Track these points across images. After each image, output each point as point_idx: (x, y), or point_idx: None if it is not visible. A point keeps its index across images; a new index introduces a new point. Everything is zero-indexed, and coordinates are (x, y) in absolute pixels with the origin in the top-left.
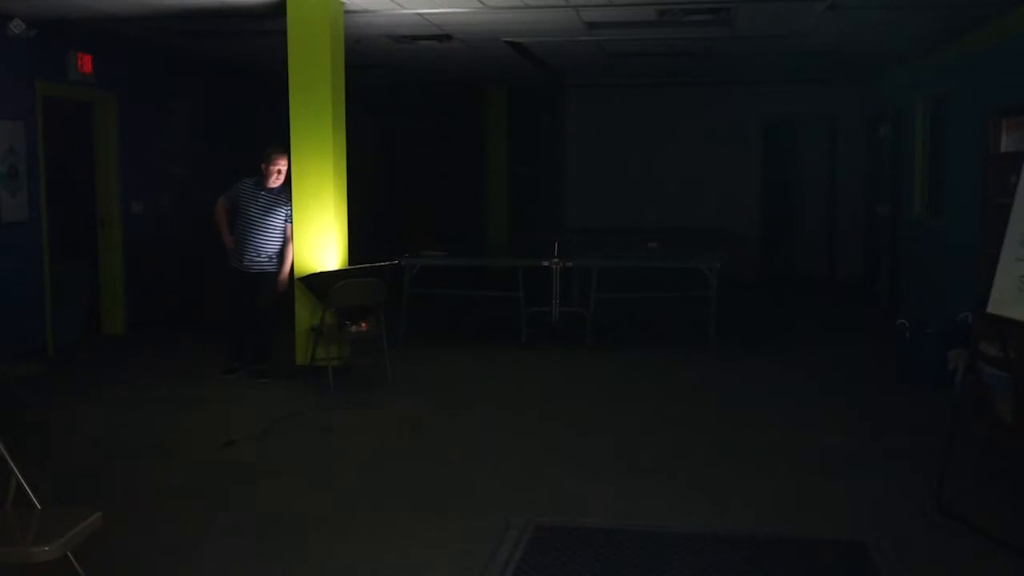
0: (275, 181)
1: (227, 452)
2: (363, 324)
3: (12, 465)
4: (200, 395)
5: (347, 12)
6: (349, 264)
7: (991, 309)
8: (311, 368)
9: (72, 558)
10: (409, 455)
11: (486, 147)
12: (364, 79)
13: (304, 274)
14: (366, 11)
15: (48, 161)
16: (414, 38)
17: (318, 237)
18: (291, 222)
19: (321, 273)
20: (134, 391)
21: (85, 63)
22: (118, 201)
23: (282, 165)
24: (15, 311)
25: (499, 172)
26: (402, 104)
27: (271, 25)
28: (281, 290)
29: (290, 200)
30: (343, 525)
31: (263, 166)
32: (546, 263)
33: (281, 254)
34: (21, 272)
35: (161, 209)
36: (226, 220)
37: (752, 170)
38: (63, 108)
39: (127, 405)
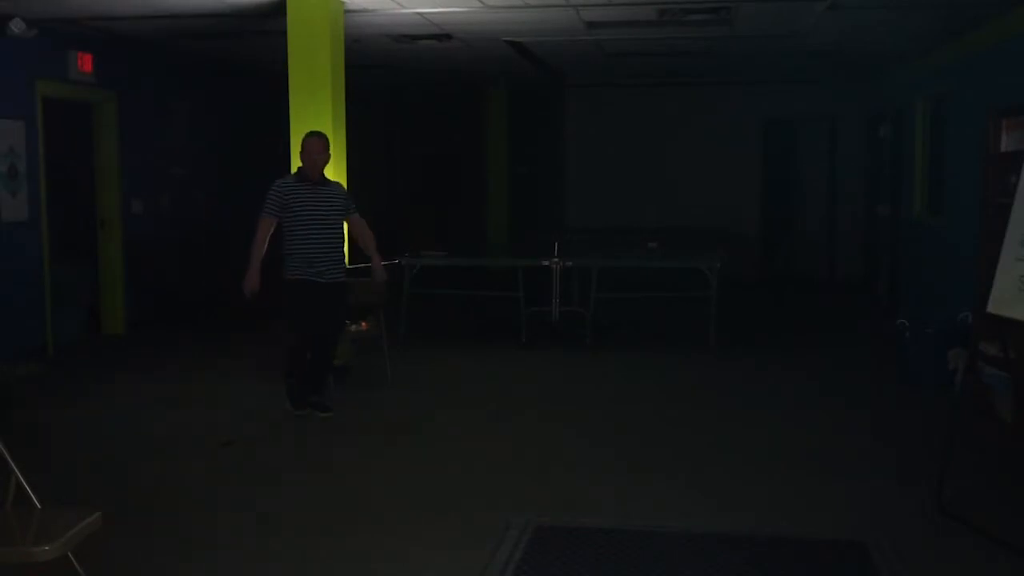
0: (314, 170)
1: (227, 452)
2: (363, 324)
3: (12, 465)
4: (200, 396)
5: (347, 12)
6: (349, 264)
7: (991, 309)
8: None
9: (72, 558)
10: (409, 455)
11: (486, 147)
12: (364, 79)
13: None
14: (366, 10)
15: (48, 161)
16: (414, 37)
17: None
18: (356, 211)
19: None
20: (134, 391)
21: (85, 63)
22: (118, 201)
23: (312, 149)
24: (15, 311)
25: (499, 172)
26: (402, 104)
27: (271, 25)
28: (383, 280)
29: (343, 190)
30: (343, 525)
31: (301, 156)
32: (546, 263)
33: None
34: (21, 272)
35: (161, 209)
36: (265, 246)
37: (752, 170)
38: (63, 108)
39: (127, 405)
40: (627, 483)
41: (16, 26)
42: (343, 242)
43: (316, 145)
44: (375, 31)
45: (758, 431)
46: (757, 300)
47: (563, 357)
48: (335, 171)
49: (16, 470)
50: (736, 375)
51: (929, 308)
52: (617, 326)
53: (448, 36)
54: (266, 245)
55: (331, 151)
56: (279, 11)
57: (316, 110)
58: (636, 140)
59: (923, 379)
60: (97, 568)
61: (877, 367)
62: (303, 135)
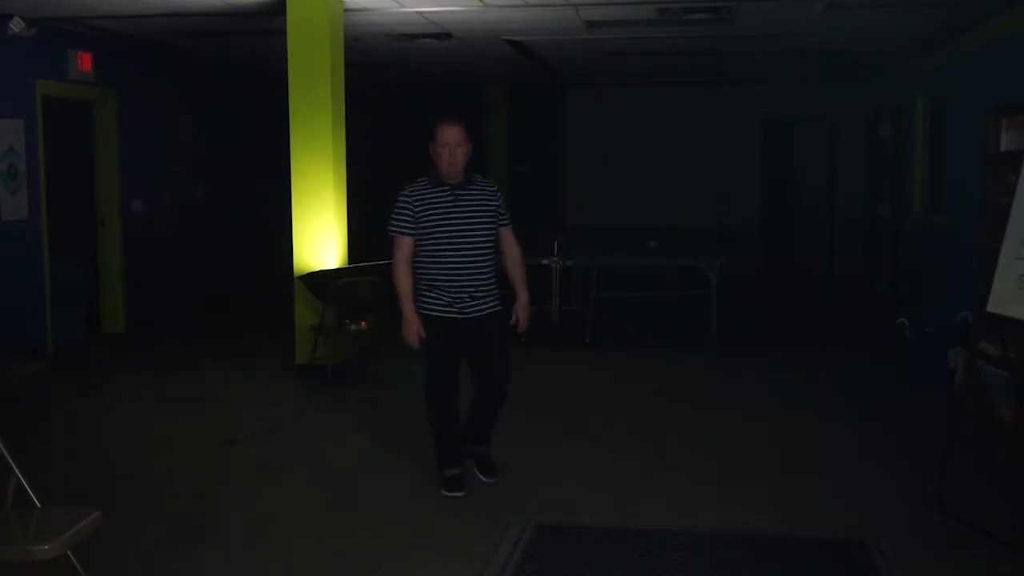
0: (452, 168)
1: (227, 451)
2: (363, 323)
3: (12, 465)
4: (200, 395)
5: (347, 11)
6: (349, 263)
7: (991, 308)
8: (311, 367)
9: (72, 557)
10: (409, 454)
11: (486, 147)
12: (364, 79)
13: (304, 273)
14: (366, 9)
15: (48, 160)
16: (414, 36)
17: (318, 236)
18: (508, 223)
19: (321, 272)
20: (134, 391)
21: (85, 62)
22: (118, 200)
23: (450, 139)
24: (15, 310)
25: (499, 172)
26: (402, 104)
27: (271, 24)
28: (523, 327)
29: (497, 193)
30: (343, 525)
31: (431, 150)
32: (546, 262)
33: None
34: (21, 271)
35: (161, 208)
36: (410, 274)
37: (752, 169)
38: (63, 108)
39: (127, 405)
40: (627, 482)
41: (16, 25)
42: (491, 263)
43: (453, 135)
44: (375, 30)
45: (758, 430)
46: (757, 299)
47: (563, 357)
48: (335, 172)
49: (16, 470)
50: (736, 374)
51: (929, 307)
52: (617, 326)
53: (448, 35)
54: (409, 272)
55: (331, 151)
56: (279, 10)
57: (316, 110)
58: (636, 139)
59: (923, 379)
60: (97, 568)
61: (877, 367)
62: (440, 124)
